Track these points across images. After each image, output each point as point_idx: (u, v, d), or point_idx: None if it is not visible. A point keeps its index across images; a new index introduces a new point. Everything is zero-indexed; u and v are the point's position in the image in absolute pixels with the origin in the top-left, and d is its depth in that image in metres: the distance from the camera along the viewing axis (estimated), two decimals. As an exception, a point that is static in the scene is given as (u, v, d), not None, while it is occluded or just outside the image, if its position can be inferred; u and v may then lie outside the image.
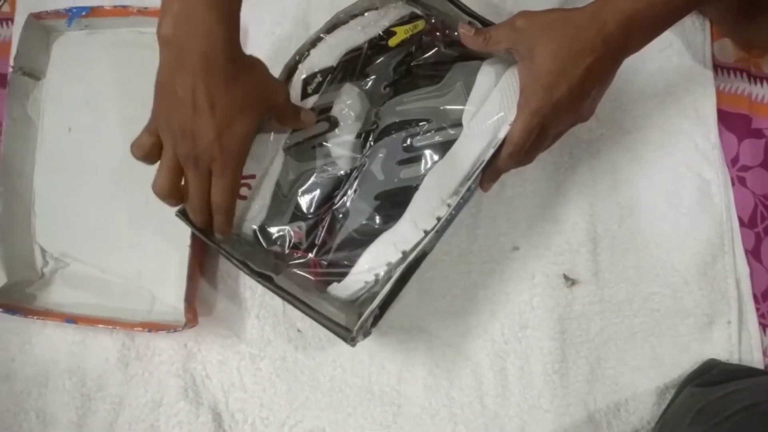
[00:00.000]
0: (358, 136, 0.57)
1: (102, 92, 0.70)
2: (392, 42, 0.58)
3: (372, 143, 0.56)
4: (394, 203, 0.53)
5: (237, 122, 0.48)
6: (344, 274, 0.53)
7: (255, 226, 0.56)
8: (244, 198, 0.57)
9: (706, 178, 0.66)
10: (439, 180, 0.53)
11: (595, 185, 0.66)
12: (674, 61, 0.68)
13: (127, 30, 0.71)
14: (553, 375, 0.63)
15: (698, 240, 0.65)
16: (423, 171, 0.53)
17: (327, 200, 0.56)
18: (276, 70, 0.57)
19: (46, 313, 0.65)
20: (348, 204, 0.55)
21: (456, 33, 0.56)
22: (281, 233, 0.56)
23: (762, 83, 0.67)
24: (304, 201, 0.56)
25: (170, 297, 0.65)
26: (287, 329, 0.66)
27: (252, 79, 0.49)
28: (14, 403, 0.66)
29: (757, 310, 0.64)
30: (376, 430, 0.63)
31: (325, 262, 0.55)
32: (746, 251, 0.65)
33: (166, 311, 0.65)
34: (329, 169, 0.56)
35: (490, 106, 0.53)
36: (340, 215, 0.55)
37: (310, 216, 0.56)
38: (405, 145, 0.54)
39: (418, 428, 0.63)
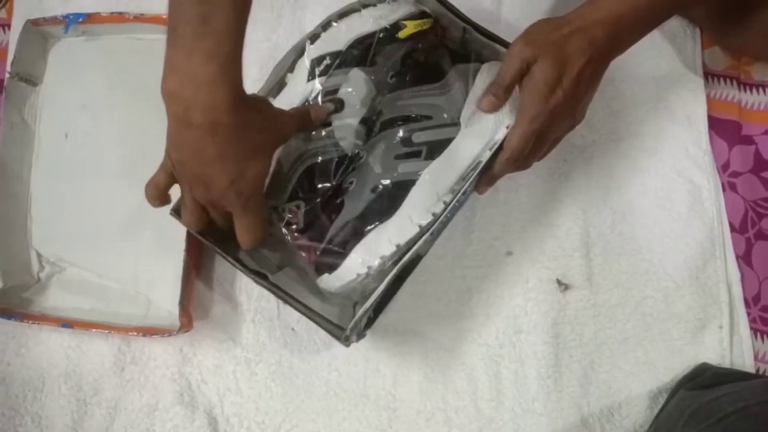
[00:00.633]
0: (362, 122, 0.56)
1: (98, 98, 0.71)
2: (402, 34, 0.58)
3: (374, 135, 0.57)
4: (390, 197, 0.53)
5: (250, 167, 0.48)
6: (336, 265, 0.53)
7: None
8: None
9: (698, 183, 0.67)
10: (436, 176, 0.53)
11: (588, 191, 0.67)
12: (665, 68, 0.69)
13: (124, 36, 0.71)
14: (547, 379, 0.63)
15: (690, 245, 0.65)
16: (421, 166, 0.53)
17: (326, 182, 0.55)
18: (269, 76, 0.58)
19: (42, 318, 0.66)
20: (344, 195, 0.54)
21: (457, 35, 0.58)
22: (278, 211, 0.55)
23: (752, 90, 0.68)
24: (304, 181, 0.55)
25: (166, 301, 0.65)
26: (283, 333, 0.66)
27: (260, 122, 0.49)
28: (10, 407, 0.66)
29: (749, 314, 0.65)
30: (371, 434, 0.64)
31: (318, 251, 0.54)
32: (737, 256, 0.66)
33: (161, 315, 0.66)
34: (332, 150, 0.56)
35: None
36: (336, 205, 0.55)
37: (308, 197, 0.55)
38: (404, 139, 0.55)
39: (413, 432, 0.64)
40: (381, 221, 0.53)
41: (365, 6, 0.58)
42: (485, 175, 0.56)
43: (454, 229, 0.66)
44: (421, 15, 0.59)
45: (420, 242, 0.53)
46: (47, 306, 0.68)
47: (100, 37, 0.72)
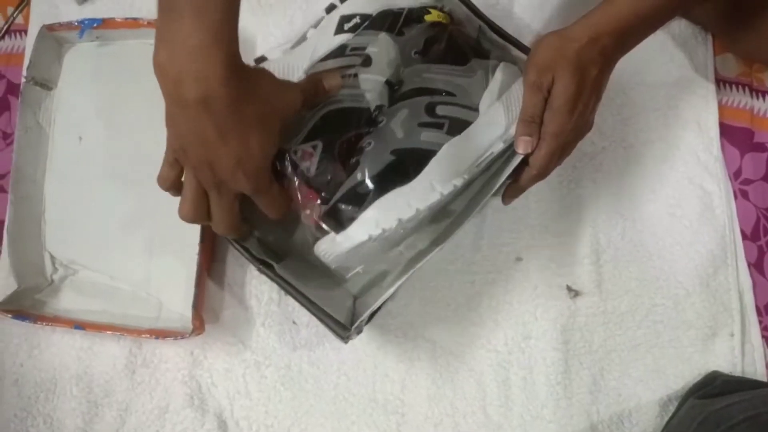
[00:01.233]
0: (387, 83, 0.55)
1: (112, 102, 0.71)
2: (428, 18, 0.58)
3: (395, 103, 0.55)
4: (411, 162, 0.51)
5: (254, 144, 0.46)
6: (345, 224, 0.49)
7: None
8: None
9: (709, 190, 0.66)
10: (456, 151, 0.52)
11: (598, 197, 0.67)
12: (677, 75, 0.69)
13: (138, 42, 0.72)
14: (557, 386, 0.63)
15: (701, 252, 0.65)
16: (442, 139, 0.52)
17: (344, 129, 0.53)
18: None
19: (55, 320, 0.66)
20: (360, 156, 0.52)
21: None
22: (290, 154, 0.52)
23: (764, 98, 0.68)
24: (323, 125, 0.53)
25: (177, 304, 0.66)
26: (293, 337, 0.66)
27: (260, 93, 0.46)
28: (22, 408, 0.67)
29: (760, 322, 0.65)
30: (379, 439, 0.64)
31: (326, 205, 0.51)
32: (749, 264, 0.65)
33: (173, 318, 0.66)
34: (356, 99, 0.53)
35: (503, 103, 0.54)
36: (351, 164, 0.52)
37: (327, 140, 0.52)
38: (429, 108, 0.53)
39: (421, 437, 0.64)
40: (400, 185, 0.50)
41: None
42: (511, 187, 0.57)
43: (464, 236, 0.66)
44: (442, 9, 0.59)
45: (432, 251, 0.52)
46: (60, 308, 0.69)
47: (114, 42, 0.72)
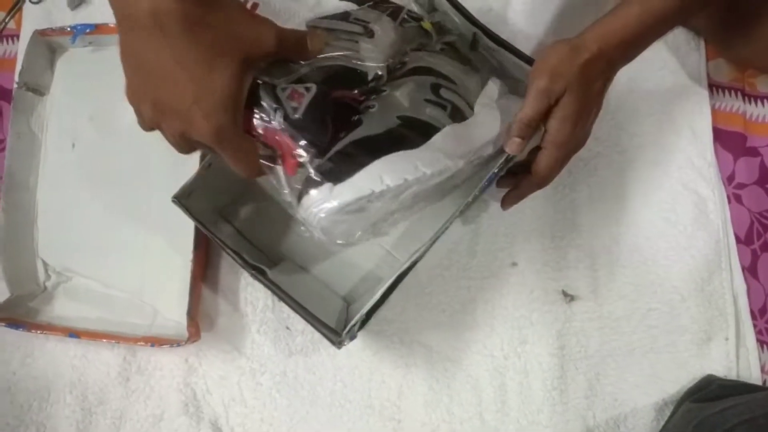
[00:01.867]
0: (385, 60, 0.51)
1: (105, 108, 0.71)
2: (424, 25, 0.57)
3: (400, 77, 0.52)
4: (417, 130, 0.48)
5: (215, 78, 0.40)
6: (342, 176, 0.44)
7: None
8: None
9: (703, 195, 0.67)
10: (459, 136, 0.50)
11: (592, 202, 0.67)
12: (670, 80, 0.69)
13: (132, 47, 0.71)
14: (553, 391, 0.63)
15: (695, 257, 0.65)
16: (445, 119, 0.50)
17: (341, 85, 0.49)
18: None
19: (49, 327, 0.66)
20: (363, 115, 0.48)
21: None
22: (282, 89, 0.46)
23: (756, 102, 0.68)
24: (319, 73, 0.47)
25: (172, 311, 0.65)
26: (288, 344, 0.66)
27: (225, 20, 0.41)
28: (15, 416, 0.67)
29: (755, 326, 0.65)
30: (376, 445, 0.64)
31: (314, 156, 0.45)
32: (743, 268, 0.66)
33: (168, 325, 0.66)
34: (355, 63, 0.49)
35: (500, 109, 0.54)
36: (353, 122, 0.48)
37: (320, 86, 0.46)
38: (434, 87, 0.51)
39: (417, 443, 0.63)
40: (406, 149, 0.47)
41: None
42: (510, 194, 0.57)
43: (459, 241, 0.66)
44: (432, 22, 0.58)
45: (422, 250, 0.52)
46: (54, 315, 0.68)
47: (107, 47, 0.72)
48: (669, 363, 0.64)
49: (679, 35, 0.70)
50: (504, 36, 0.58)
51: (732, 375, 0.64)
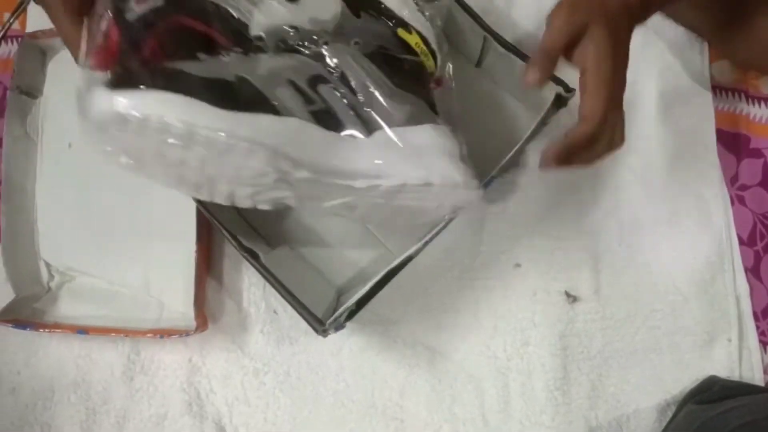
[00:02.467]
0: (280, 30, 0.46)
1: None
2: (402, 34, 0.51)
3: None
4: (246, 96, 0.43)
5: None
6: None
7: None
8: None
9: (706, 197, 0.67)
10: (302, 138, 0.44)
11: (596, 203, 0.67)
12: (673, 82, 0.69)
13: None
14: (555, 392, 0.63)
15: (698, 258, 0.66)
16: (303, 112, 0.45)
17: (205, 19, 0.44)
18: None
19: (56, 326, 0.66)
20: (206, 56, 0.43)
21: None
22: None
23: (760, 104, 0.68)
24: None
25: (178, 304, 0.65)
26: (291, 344, 0.66)
27: None
28: (19, 416, 0.67)
29: (758, 327, 0.65)
30: (378, 446, 0.64)
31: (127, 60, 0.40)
32: (746, 269, 0.66)
33: (175, 317, 0.66)
34: (239, 10, 0.45)
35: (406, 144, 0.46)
36: (193, 54, 0.43)
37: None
38: (313, 78, 0.46)
39: (420, 444, 0.64)
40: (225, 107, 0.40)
41: None
42: (554, 147, 0.47)
43: (462, 242, 0.66)
44: (425, 42, 0.51)
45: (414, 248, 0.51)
46: (59, 315, 0.68)
47: (98, 47, 0.72)
48: (671, 364, 0.64)
49: (682, 37, 0.70)
50: (508, 38, 0.58)
51: (734, 376, 0.64)
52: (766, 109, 0.68)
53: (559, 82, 0.55)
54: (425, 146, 0.46)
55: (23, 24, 0.76)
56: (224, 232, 0.55)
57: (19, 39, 0.77)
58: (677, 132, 0.68)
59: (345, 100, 0.46)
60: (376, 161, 0.45)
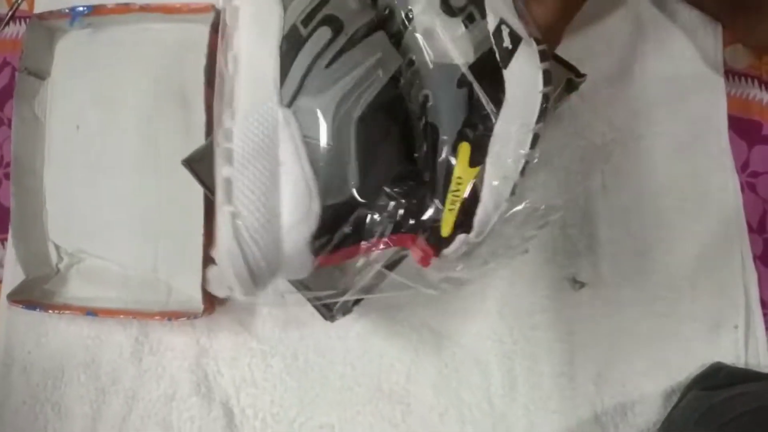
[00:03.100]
0: None
1: (108, 89, 0.71)
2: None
3: None
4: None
5: None
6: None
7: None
8: None
9: (715, 183, 0.66)
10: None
11: (604, 189, 0.67)
12: (685, 66, 0.68)
13: (131, 27, 0.70)
14: (561, 377, 0.64)
15: (706, 245, 0.65)
16: None
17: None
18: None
19: (65, 307, 0.67)
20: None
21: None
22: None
23: (773, 90, 0.67)
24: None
25: (187, 287, 0.66)
26: (298, 327, 0.67)
27: None
28: (31, 395, 0.68)
29: (765, 315, 0.65)
30: (384, 428, 0.64)
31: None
32: (755, 257, 0.65)
33: (182, 300, 0.66)
34: None
35: None
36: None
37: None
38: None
39: (426, 427, 0.64)
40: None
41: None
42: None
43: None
44: None
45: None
46: (69, 296, 0.69)
47: (107, 28, 0.71)
48: (677, 350, 0.64)
49: (695, 20, 0.69)
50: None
51: (740, 363, 0.64)
52: (780, 95, 0.68)
53: (570, 67, 0.54)
54: None
55: (31, 5, 0.76)
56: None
57: (27, 20, 0.76)
58: (688, 117, 0.67)
59: None
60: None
